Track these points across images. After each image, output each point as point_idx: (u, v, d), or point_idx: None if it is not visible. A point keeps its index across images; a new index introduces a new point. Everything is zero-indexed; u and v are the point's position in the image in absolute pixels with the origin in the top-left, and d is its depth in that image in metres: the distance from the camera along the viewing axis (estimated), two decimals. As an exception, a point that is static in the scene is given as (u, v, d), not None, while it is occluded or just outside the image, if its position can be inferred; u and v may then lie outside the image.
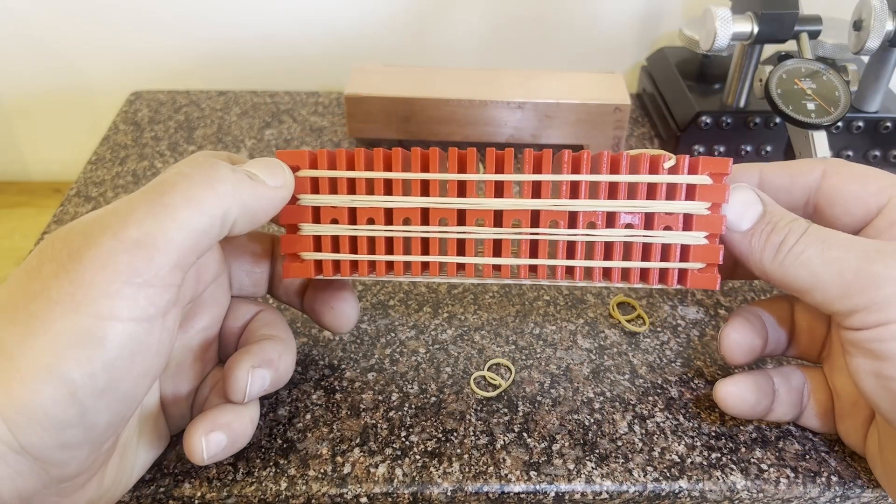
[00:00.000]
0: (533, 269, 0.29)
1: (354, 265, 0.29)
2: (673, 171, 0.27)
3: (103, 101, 0.64)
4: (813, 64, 0.43)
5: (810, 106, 0.42)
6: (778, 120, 0.49)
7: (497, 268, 0.29)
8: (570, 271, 0.28)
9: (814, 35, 0.45)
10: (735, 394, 0.31)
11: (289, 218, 0.28)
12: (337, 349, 0.36)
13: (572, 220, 0.28)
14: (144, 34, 0.61)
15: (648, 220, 0.28)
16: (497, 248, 0.28)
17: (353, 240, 0.28)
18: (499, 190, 0.28)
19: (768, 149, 0.50)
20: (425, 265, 0.28)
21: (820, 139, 0.42)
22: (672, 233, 0.27)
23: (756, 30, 0.44)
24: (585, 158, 0.27)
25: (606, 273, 0.28)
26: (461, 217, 0.28)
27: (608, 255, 0.28)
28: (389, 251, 0.28)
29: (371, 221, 0.28)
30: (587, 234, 0.27)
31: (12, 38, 0.61)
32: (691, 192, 0.27)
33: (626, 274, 0.28)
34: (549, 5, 0.61)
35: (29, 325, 0.21)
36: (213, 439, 0.27)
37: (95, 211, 0.24)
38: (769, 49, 0.52)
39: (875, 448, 0.29)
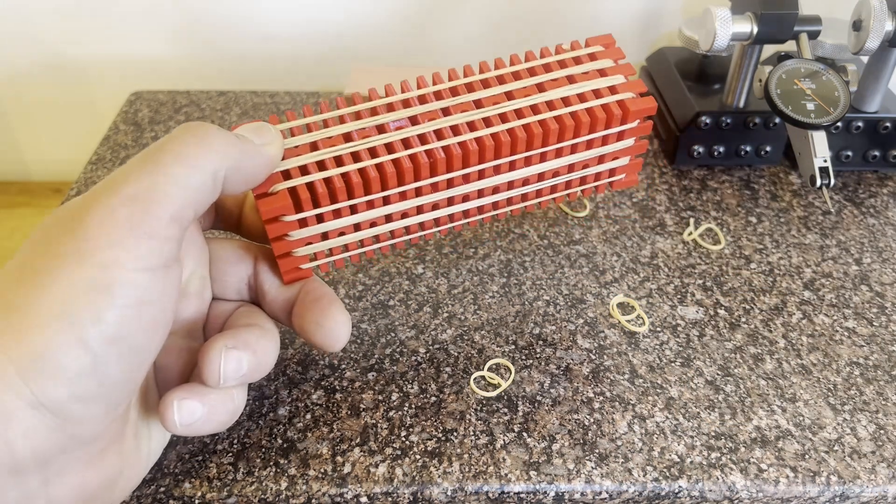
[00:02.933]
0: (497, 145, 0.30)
1: (331, 192, 0.29)
2: (576, 46, 0.33)
3: (103, 101, 0.64)
4: (812, 64, 0.43)
5: (810, 106, 0.42)
6: (777, 120, 0.49)
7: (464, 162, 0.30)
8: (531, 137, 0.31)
9: (813, 35, 0.45)
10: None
11: None
12: (337, 349, 0.36)
13: (535, 109, 0.31)
14: (144, 34, 0.61)
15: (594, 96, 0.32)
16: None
17: (321, 164, 0.29)
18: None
19: (768, 149, 0.50)
20: (399, 175, 0.29)
21: (819, 139, 0.42)
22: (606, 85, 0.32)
23: (756, 30, 0.44)
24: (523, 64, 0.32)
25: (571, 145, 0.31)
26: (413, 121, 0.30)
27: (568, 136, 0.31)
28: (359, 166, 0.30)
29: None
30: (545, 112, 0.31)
31: (12, 37, 0.61)
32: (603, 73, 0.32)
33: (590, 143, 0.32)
34: (549, 5, 0.61)
35: (37, 279, 0.22)
36: (185, 406, 0.26)
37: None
38: (769, 49, 0.52)
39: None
